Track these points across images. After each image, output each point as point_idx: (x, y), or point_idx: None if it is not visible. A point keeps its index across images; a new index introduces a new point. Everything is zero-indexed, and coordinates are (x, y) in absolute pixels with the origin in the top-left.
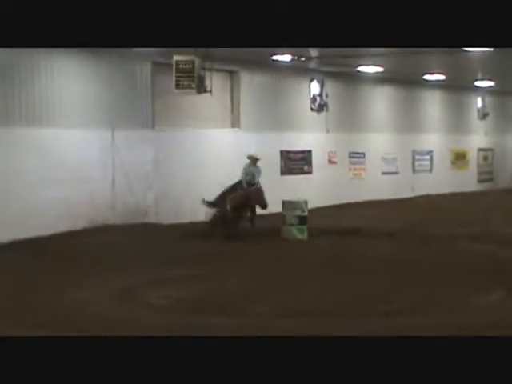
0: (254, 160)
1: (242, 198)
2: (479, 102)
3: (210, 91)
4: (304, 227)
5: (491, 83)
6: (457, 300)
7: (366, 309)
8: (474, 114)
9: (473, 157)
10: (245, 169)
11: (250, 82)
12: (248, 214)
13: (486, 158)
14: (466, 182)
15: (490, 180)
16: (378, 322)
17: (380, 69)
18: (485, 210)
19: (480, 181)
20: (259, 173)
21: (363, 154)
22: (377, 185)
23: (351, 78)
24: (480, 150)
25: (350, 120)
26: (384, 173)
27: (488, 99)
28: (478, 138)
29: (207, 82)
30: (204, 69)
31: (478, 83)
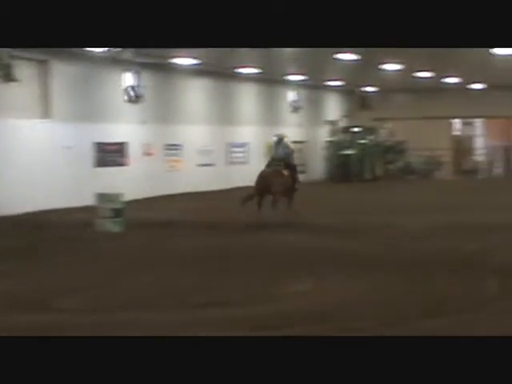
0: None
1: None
2: (292, 96)
3: (18, 80)
4: (120, 220)
5: (303, 77)
6: (269, 290)
7: (180, 301)
8: (287, 107)
9: None
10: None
11: (63, 72)
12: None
13: (298, 151)
14: None
15: (303, 172)
16: (192, 314)
17: (196, 61)
18: (301, 202)
19: None
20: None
21: (180, 145)
22: (193, 177)
23: (168, 70)
24: (293, 142)
25: (167, 112)
26: (200, 165)
27: (300, 92)
28: (291, 131)
29: (16, 71)
30: (12, 57)
31: (290, 77)
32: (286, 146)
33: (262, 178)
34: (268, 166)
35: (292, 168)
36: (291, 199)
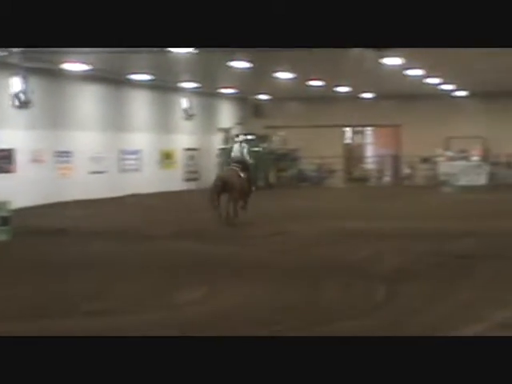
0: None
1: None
2: (185, 103)
3: None
4: (6, 228)
5: (196, 84)
6: (162, 298)
7: (70, 308)
8: (181, 115)
9: (180, 156)
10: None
11: None
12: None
13: (191, 158)
14: (174, 181)
15: (196, 179)
16: (84, 321)
17: (87, 67)
18: (191, 209)
19: (186, 180)
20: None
21: (70, 152)
22: (85, 184)
23: (58, 75)
24: (186, 149)
25: (58, 118)
26: (92, 172)
27: (194, 100)
28: (184, 138)
29: None
30: None
31: (184, 84)
32: (245, 148)
33: (220, 178)
34: (225, 165)
35: (249, 171)
36: (246, 201)
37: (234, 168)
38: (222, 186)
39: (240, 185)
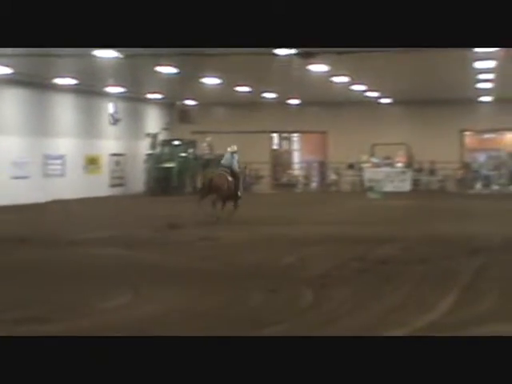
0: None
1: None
2: (111, 108)
3: None
4: None
5: (122, 89)
6: (86, 304)
7: None
8: (107, 119)
9: (105, 162)
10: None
11: None
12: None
13: (118, 163)
14: (99, 186)
15: (122, 185)
16: (7, 330)
17: (9, 70)
18: (115, 215)
19: (112, 185)
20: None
21: None
22: (7, 189)
23: None
24: (112, 155)
25: None
26: (14, 177)
27: (120, 105)
28: (110, 143)
29: None
30: None
31: (110, 89)
32: (235, 158)
33: (207, 178)
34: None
35: (237, 177)
36: (235, 204)
37: (223, 172)
38: (209, 186)
39: (227, 187)
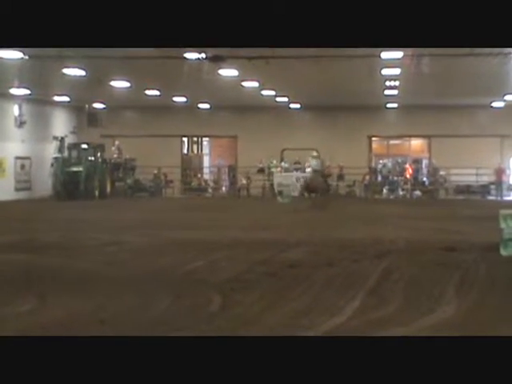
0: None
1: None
2: (16, 110)
3: None
4: None
5: (28, 91)
6: None
7: None
8: (12, 122)
9: (10, 165)
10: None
11: None
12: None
13: (23, 167)
14: (3, 190)
15: (28, 188)
16: None
17: None
18: (20, 219)
19: (17, 189)
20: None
21: None
22: None
23: None
24: (17, 158)
25: None
26: None
27: (25, 107)
28: (15, 146)
29: None
30: None
31: (15, 90)
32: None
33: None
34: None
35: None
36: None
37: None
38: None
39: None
